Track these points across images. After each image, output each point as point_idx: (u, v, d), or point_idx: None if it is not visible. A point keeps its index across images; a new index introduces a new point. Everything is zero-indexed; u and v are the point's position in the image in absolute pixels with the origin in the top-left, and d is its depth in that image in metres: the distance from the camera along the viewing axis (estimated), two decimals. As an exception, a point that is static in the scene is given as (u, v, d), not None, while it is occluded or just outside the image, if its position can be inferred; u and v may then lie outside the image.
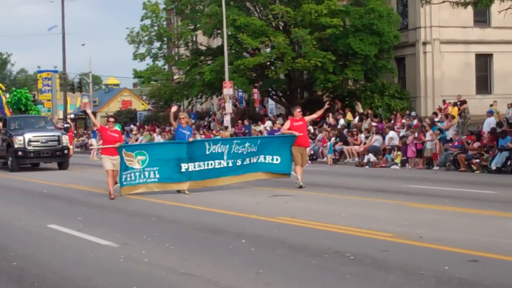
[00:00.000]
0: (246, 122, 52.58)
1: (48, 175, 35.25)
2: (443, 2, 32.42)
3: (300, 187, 24.29)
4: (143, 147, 26.29)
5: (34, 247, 14.52)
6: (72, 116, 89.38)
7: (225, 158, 24.35)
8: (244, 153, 24.76)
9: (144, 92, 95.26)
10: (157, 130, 60.85)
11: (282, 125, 34.54)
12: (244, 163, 24.84)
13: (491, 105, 42.14)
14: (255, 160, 25.03)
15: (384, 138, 38.92)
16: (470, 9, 33.78)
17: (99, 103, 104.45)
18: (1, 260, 13.09)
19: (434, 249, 12.71)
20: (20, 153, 38.39)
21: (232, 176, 24.80)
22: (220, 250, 13.42)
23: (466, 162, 33.13)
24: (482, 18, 53.53)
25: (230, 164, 24.50)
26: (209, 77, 51.69)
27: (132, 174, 23.18)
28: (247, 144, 25.05)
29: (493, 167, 31.55)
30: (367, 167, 37.60)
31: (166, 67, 64.58)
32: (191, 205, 20.65)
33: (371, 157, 38.29)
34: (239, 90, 59.92)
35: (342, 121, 45.01)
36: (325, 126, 45.27)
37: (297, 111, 25.81)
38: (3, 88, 49.87)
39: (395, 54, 53.43)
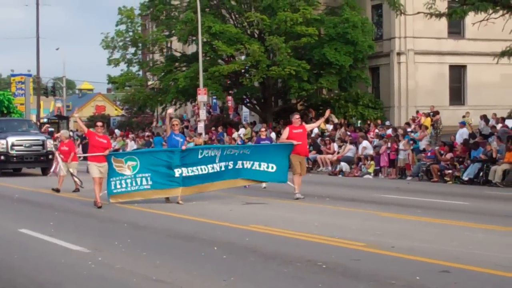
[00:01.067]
0: (219, 129, 52.56)
1: (23, 180, 34.80)
2: (418, 13, 32.58)
3: (297, 199, 23.17)
4: (133, 153, 25.17)
5: (5, 251, 14.43)
6: (45, 120, 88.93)
7: (217, 161, 23.26)
8: (236, 154, 23.74)
9: (118, 98, 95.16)
10: (131, 136, 60.59)
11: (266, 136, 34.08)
12: (237, 166, 23.75)
13: (463, 116, 42.37)
14: (248, 166, 23.93)
15: (357, 148, 39.02)
16: (444, 20, 33.96)
17: (72, 108, 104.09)
18: (-29, 265, 13.05)
19: (405, 259, 12.75)
20: (2, 157, 36.96)
21: (226, 181, 23.77)
22: (192, 257, 13.40)
23: (438, 173, 33.33)
24: (456, 30, 53.81)
25: (223, 168, 23.43)
26: (184, 83, 51.60)
27: (123, 181, 22.20)
28: (240, 149, 24.44)
29: (466, 178, 31.73)
30: (340, 176, 37.71)
31: (140, 73, 64.55)
32: (163, 212, 20.61)
33: (344, 166, 38.41)
34: (213, 97, 59.97)
35: (316, 130, 45.07)
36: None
37: (296, 118, 24.68)
38: None
39: (370, 64, 53.65)
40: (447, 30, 52.97)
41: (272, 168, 23.93)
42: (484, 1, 29.36)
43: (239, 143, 45.04)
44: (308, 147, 28.76)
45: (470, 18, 34.93)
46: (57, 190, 26.59)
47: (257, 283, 11.00)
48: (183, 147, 23.07)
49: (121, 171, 22.12)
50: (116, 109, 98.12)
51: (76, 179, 26.72)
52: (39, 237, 16.19)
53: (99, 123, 23.71)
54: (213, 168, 23.21)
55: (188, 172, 22.74)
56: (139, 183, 22.30)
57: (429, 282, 10.85)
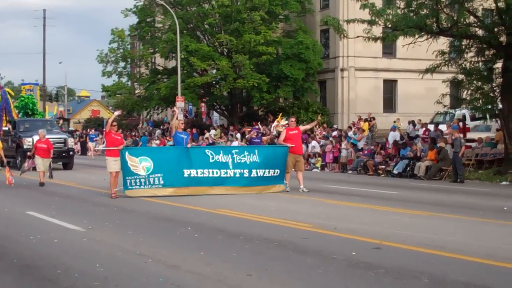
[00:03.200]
0: (194, 131, 52.42)
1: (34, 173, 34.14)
2: (358, 37, 32.60)
3: (303, 191, 22.29)
4: (147, 152, 22.54)
5: (14, 230, 14.32)
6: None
7: (231, 167, 21.99)
8: (248, 162, 22.24)
9: (110, 103, 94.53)
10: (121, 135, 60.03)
11: (257, 134, 33.61)
12: (252, 175, 22.28)
13: (394, 122, 42.50)
14: (261, 174, 22.43)
15: (307, 146, 39.05)
16: (379, 43, 33.97)
17: (72, 112, 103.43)
18: (-15, 240, 12.93)
19: (345, 238, 12.77)
20: (29, 153, 35.97)
21: (238, 187, 22.08)
22: (169, 236, 13.36)
23: (373, 168, 33.44)
24: (389, 51, 53.95)
25: (238, 175, 22.08)
26: (165, 92, 51.52)
27: (137, 180, 21.10)
28: (246, 153, 22.50)
29: (395, 172, 31.87)
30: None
31: (129, 83, 64.18)
32: (146, 199, 20.45)
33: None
34: (189, 103, 59.81)
35: (274, 132, 44.94)
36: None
37: (292, 121, 24.13)
38: (12, 94, 46.39)
39: (318, 78, 53.71)
40: (382, 51, 53.06)
41: (277, 172, 22.71)
42: (411, 27, 29.47)
43: (210, 142, 45.00)
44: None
45: (401, 41, 35.10)
46: (42, 184, 25.26)
47: (223, 257, 10.95)
48: (188, 145, 22.26)
49: (136, 171, 21.05)
50: (108, 113, 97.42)
51: (47, 174, 26.01)
52: (43, 218, 16.09)
53: (115, 123, 22.32)
54: (226, 173, 21.98)
55: (197, 174, 21.66)
56: (152, 182, 21.17)
57: (364, 256, 10.86)
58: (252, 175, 22.32)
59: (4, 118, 41.34)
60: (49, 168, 26.33)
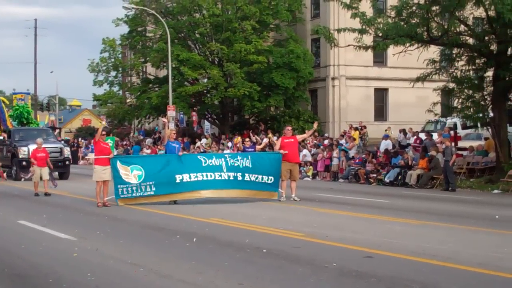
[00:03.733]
0: (185, 139, 52.40)
1: (27, 183, 33.53)
2: (348, 45, 32.69)
3: (294, 200, 22.16)
4: (138, 161, 22.45)
5: (5, 239, 14.31)
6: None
7: (224, 170, 21.83)
8: (241, 166, 22.11)
9: (102, 113, 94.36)
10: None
11: (253, 143, 33.25)
12: (245, 178, 22.15)
13: (386, 130, 42.57)
14: (253, 179, 22.26)
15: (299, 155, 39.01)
16: (370, 51, 34.08)
17: (63, 121, 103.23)
18: (-24, 250, 12.89)
19: (337, 247, 12.77)
20: (24, 163, 34.28)
21: (231, 190, 22.10)
22: (160, 245, 13.33)
23: (365, 176, 33.47)
24: (380, 59, 54.09)
25: (232, 178, 21.91)
26: (156, 101, 51.52)
27: (129, 188, 21.01)
28: (239, 158, 22.47)
29: (387, 180, 31.90)
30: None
31: (120, 92, 64.12)
32: (138, 207, 20.40)
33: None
34: (181, 112, 59.79)
35: (265, 140, 44.98)
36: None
37: (288, 129, 23.83)
38: (7, 103, 45.61)
39: (309, 86, 53.80)
40: (373, 59, 53.23)
41: (271, 180, 22.52)
42: (402, 36, 29.57)
43: (201, 151, 44.97)
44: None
45: (391, 50, 35.16)
46: (37, 194, 24.92)
47: (215, 266, 10.93)
48: (180, 153, 22.02)
49: (128, 179, 20.95)
50: (100, 122, 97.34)
51: (51, 182, 25.95)
52: (35, 227, 16.05)
53: (104, 132, 22.26)
54: (220, 176, 21.81)
55: (190, 178, 21.50)
56: (143, 189, 21.10)
57: (356, 265, 10.86)
58: (245, 179, 22.21)
59: None
60: (51, 177, 26.28)
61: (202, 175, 21.63)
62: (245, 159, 22.43)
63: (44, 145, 27.02)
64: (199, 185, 21.64)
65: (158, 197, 21.27)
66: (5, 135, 38.25)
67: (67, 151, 37.16)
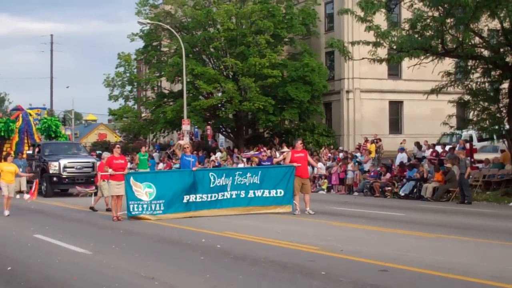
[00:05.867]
0: (200, 153, 52.47)
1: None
2: (363, 58, 32.69)
3: (309, 213, 22.14)
4: (151, 178, 22.10)
5: (22, 253, 14.35)
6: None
7: (228, 189, 22.21)
8: (247, 184, 22.44)
9: (117, 127, 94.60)
10: (127, 158, 60.13)
11: (269, 156, 32.91)
12: (248, 195, 22.50)
13: (401, 143, 42.46)
14: (259, 194, 22.58)
15: (313, 168, 39.00)
16: (384, 64, 34.04)
17: (79, 135, 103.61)
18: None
19: (352, 260, 12.73)
20: (55, 178, 33.25)
21: (238, 207, 22.35)
22: (175, 258, 13.34)
23: (380, 189, 33.38)
24: (394, 72, 54.02)
25: (234, 196, 22.30)
26: (171, 115, 51.60)
27: (140, 206, 21.16)
28: (248, 175, 22.70)
29: (402, 193, 31.79)
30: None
31: (135, 106, 64.29)
32: (152, 221, 20.47)
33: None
34: (195, 126, 59.91)
35: (278, 155, 44.95)
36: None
37: (299, 143, 23.81)
38: (34, 116, 43.62)
39: (324, 99, 53.74)
40: (387, 72, 53.14)
41: (280, 193, 22.67)
42: (416, 49, 29.54)
43: (216, 164, 45.02)
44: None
45: (406, 62, 35.15)
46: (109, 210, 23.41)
47: (229, 280, 10.93)
48: (194, 168, 22.10)
49: (139, 196, 21.15)
50: (115, 136, 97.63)
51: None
52: (50, 241, 16.11)
53: (117, 146, 22.31)
54: (223, 195, 22.20)
55: (196, 199, 21.81)
56: (153, 208, 21.30)
57: (371, 279, 10.84)
58: (248, 196, 22.53)
59: (26, 141, 39.92)
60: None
61: (207, 196, 22.01)
62: (254, 176, 22.73)
63: (75, 160, 26.40)
64: (204, 206, 21.97)
65: (165, 216, 21.39)
66: (34, 149, 36.67)
67: None
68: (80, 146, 40.34)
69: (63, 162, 33.37)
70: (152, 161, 55.04)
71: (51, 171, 33.44)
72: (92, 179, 31.82)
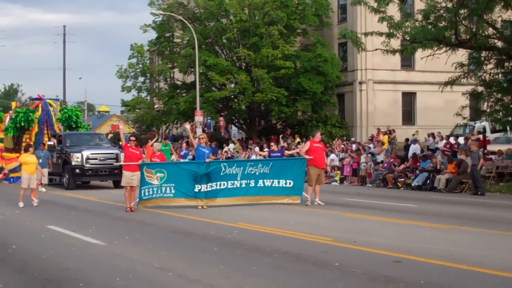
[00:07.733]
0: (213, 144, 52.52)
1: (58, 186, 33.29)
2: (376, 49, 32.65)
3: (318, 204, 22.27)
4: (163, 166, 22.32)
5: (35, 244, 14.40)
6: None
7: (238, 178, 22.29)
8: (257, 173, 22.50)
9: (130, 118, 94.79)
10: (140, 149, 60.26)
11: (282, 147, 32.82)
12: (258, 184, 22.57)
13: (413, 135, 42.40)
14: (269, 184, 22.64)
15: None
16: (398, 55, 34.01)
17: (92, 127, 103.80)
18: (7, 254, 12.99)
19: (365, 252, 12.73)
20: (77, 170, 31.73)
21: (247, 197, 22.51)
22: (189, 249, 13.37)
23: (393, 181, 33.34)
24: (407, 63, 53.94)
25: (244, 185, 22.39)
26: (184, 106, 51.62)
27: (150, 189, 21.39)
28: (259, 165, 22.77)
29: (415, 185, 31.75)
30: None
31: (148, 97, 64.35)
32: (166, 212, 20.53)
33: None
34: (208, 117, 59.98)
35: (293, 147, 44.99)
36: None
37: (318, 134, 23.87)
38: (54, 105, 41.84)
39: (337, 91, 53.68)
40: (400, 63, 53.03)
41: (290, 183, 22.74)
42: (430, 39, 29.48)
43: (229, 156, 45.04)
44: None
45: (419, 53, 35.09)
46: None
47: (243, 271, 10.95)
48: (207, 160, 22.03)
49: (150, 180, 21.39)
50: (128, 128, 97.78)
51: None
52: (64, 232, 16.14)
53: (132, 137, 22.27)
54: (233, 184, 22.31)
55: (207, 188, 21.91)
56: (163, 191, 21.56)
57: (385, 270, 10.84)
58: (258, 185, 22.61)
59: (45, 132, 39.03)
60: None
61: (217, 184, 22.12)
62: (264, 166, 22.78)
63: (98, 151, 25.89)
64: (213, 194, 22.13)
65: (175, 200, 21.75)
66: (55, 140, 34.95)
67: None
68: (103, 136, 38.87)
69: (86, 153, 31.98)
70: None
71: (73, 163, 31.93)
72: (116, 171, 30.85)
